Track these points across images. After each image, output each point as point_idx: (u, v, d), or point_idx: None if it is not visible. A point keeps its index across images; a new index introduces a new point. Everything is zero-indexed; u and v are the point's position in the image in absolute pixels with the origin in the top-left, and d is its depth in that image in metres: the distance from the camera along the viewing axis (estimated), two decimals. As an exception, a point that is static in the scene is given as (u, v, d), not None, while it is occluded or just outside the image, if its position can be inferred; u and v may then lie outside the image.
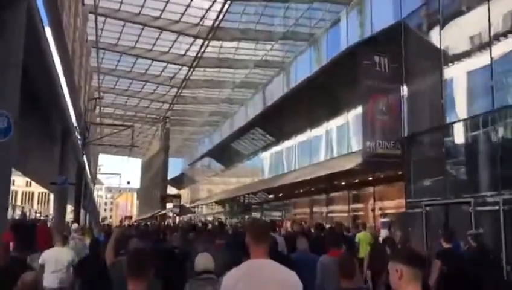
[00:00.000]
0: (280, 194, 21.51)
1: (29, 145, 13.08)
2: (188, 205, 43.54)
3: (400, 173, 12.44)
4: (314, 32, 18.79)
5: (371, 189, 14.00)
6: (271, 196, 22.70)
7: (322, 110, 16.63)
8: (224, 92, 34.98)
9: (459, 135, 10.40)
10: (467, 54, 10.10)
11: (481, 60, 9.64)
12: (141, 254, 3.28)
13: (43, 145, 13.29)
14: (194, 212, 40.94)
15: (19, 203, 68.53)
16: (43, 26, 8.92)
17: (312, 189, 18.07)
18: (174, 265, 6.37)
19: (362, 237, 10.92)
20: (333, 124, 15.70)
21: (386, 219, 12.78)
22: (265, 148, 23.06)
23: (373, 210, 14.14)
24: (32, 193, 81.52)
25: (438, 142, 10.91)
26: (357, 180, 15.03)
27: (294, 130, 19.06)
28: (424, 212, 10.92)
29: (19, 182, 68.80)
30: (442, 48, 10.77)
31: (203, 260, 4.76)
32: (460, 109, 10.42)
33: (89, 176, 30.86)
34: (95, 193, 56.86)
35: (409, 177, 11.62)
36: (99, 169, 50.88)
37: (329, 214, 16.25)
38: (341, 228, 11.21)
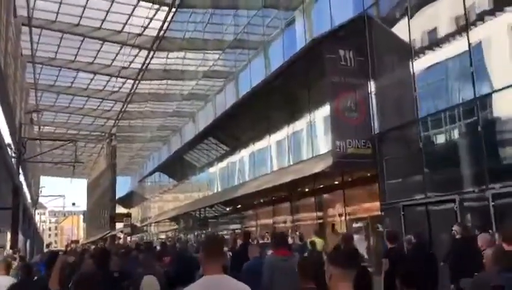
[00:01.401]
0: (239, 206, 20.22)
1: None
2: (139, 225, 41.24)
3: (371, 173, 11.54)
4: (263, 40, 17.81)
5: (340, 193, 13.01)
6: (228, 209, 21.36)
7: (281, 114, 15.59)
8: (172, 105, 33.49)
9: (436, 128, 9.59)
10: (440, 42, 9.34)
11: (457, 47, 8.89)
12: (89, 281, 3.36)
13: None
14: (146, 231, 38.67)
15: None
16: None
17: (274, 198, 16.93)
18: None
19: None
20: (294, 127, 14.66)
21: (359, 224, 11.81)
22: (220, 158, 21.73)
23: (342, 215, 13.15)
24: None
25: (412, 138, 10.07)
26: (323, 185, 14.02)
27: (251, 138, 17.90)
28: (402, 214, 10.00)
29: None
30: (411, 38, 9.98)
31: (148, 286, 4.83)
32: (435, 101, 9.63)
33: (28, 199, 28.19)
34: (37, 218, 53.05)
35: (382, 177, 10.70)
36: (41, 191, 47.49)
37: (295, 223, 15.10)
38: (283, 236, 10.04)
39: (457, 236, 7.30)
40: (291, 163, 14.55)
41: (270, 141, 16.26)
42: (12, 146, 15.32)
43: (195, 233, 25.43)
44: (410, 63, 9.97)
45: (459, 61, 8.91)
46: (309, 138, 13.77)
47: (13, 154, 15.34)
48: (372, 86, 11.04)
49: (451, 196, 8.77)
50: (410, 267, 4.31)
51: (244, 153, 18.56)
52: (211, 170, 22.95)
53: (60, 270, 4.66)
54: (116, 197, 46.14)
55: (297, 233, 12.70)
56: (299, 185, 14.68)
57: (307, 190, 15.09)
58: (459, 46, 8.80)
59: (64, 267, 4.75)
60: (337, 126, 10.79)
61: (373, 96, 10.99)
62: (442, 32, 9.45)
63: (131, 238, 34.80)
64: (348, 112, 10.80)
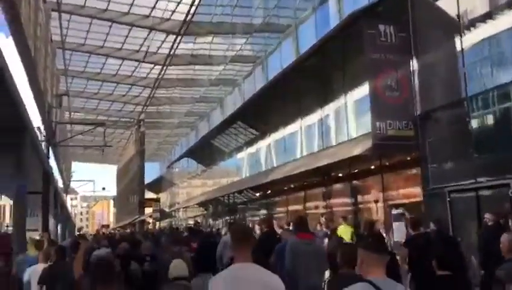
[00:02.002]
0: (268, 191, 19.65)
1: None
2: (167, 210, 41.26)
3: (411, 157, 10.80)
4: (294, 21, 17.04)
5: (377, 178, 12.27)
6: (258, 194, 20.83)
7: (313, 97, 14.88)
8: (200, 91, 33.04)
9: (486, 108, 8.78)
10: (492, 14, 8.47)
11: (510, 19, 8.04)
12: (107, 264, 3.27)
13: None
14: (175, 217, 38.60)
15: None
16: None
17: (305, 183, 16.29)
18: (145, 273, 6.46)
19: (342, 230, 10.70)
20: (328, 109, 13.93)
21: (398, 211, 11.08)
22: (249, 143, 21.16)
23: (378, 201, 12.43)
24: (4, 206, 77.35)
25: (460, 118, 9.27)
26: (358, 170, 13.28)
27: (281, 121, 17.23)
28: (448, 200, 9.25)
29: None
30: (459, 10, 9.13)
31: (176, 267, 4.77)
32: (485, 78, 8.80)
33: (60, 184, 28.38)
34: (69, 203, 53.91)
35: (425, 160, 9.94)
36: (72, 176, 48.08)
37: (328, 209, 14.45)
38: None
39: (490, 223, 7.18)
40: (324, 147, 13.88)
41: (302, 124, 15.59)
42: (43, 130, 15.20)
43: (224, 219, 25.08)
44: (458, 37, 9.14)
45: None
46: (343, 121, 13.04)
47: (43, 138, 15.21)
48: (414, 63, 10.24)
49: (505, 180, 8.00)
50: (443, 250, 4.11)
51: (274, 138, 17.93)
52: (240, 155, 22.44)
53: (83, 255, 4.78)
54: (145, 183, 46.30)
55: (324, 219, 12.39)
56: (333, 170, 14.00)
57: (340, 175, 14.41)
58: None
59: (87, 252, 4.75)
60: (377, 106, 10.05)
61: (415, 74, 10.20)
62: (494, 3, 8.60)
63: (160, 223, 34.78)
64: (389, 91, 10.05)
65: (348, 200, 14.01)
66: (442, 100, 9.75)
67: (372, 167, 12.63)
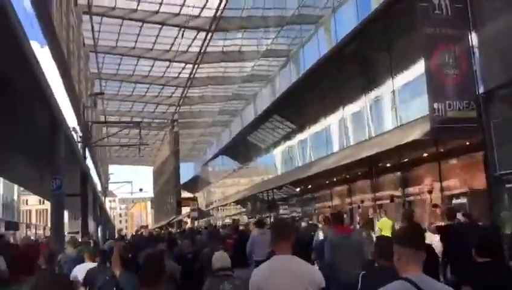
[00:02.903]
0: (309, 186, 18.74)
1: (10, 148, 10.60)
2: (204, 209, 40.88)
3: (471, 141, 9.74)
4: (331, 6, 16.03)
5: (432, 166, 11.21)
6: (298, 189, 19.94)
7: (356, 83, 13.87)
8: (232, 88, 32.48)
9: None
10: None
11: None
12: (154, 260, 3.29)
13: (28, 147, 10.74)
14: (212, 215, 38.11)
15: (34, 221, 66.01)
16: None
17: (349, 176, 15.33)
18: (186, 268, 6.61)
19: (383, 223, 10.70)
20: (374, 95, 12.90)
21: (458, 201, 10.05)
22: (287, 137, 20.26)
23: (432, 191, 11.37)
24: (46, 210, 79.03)
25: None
26: (410, 158, 12.22)
27: (321, 112, 16.26)
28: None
29: (32, 201, 66.27)
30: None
31: (219, 259, 4.86)
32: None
33: (98, 186, 28.28)
34: (108, 205, 54.40)
35: (490, 144, 8.86)
36: (110, 178, 48.39)
37: (377, 202, 13.44)
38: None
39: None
40: (373, 135, 12.87)
41: (344, 113, 14.61)
42: (78, 130, 14.86)
43: (263, 216, 24.31)
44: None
45: None
46: (393, 106, 12.00)
47: (79, 139, 14.87)
48: (473, 37, 9.17)
49: None
50: (483, 238, 4.07)
51: (314, 129, 16.99)
52: (278, 149, 21.58)
53: (119, 255, 4.69)
54: (181, 183, 46.10)
55: (360, 211, 12.26)
56: (382, 160, 12.99)
57: (388, 165, 13.39)
58: None
59: (123, 251, 4.79)
60: (433, 86, 9.02)
61: (476, 49, 9.12)
62: None
63: (198, 222, 34.36)
64: (446, 69, 8.99)
65: (397, 192, 12.97)
66: (506, 76, 8.65)
67: (426, 155, 11.58)
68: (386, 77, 12.23)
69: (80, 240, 10.05)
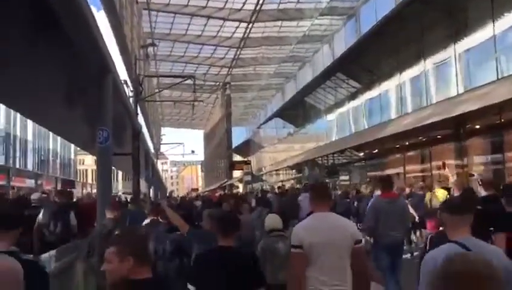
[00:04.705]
0: (375, 150, 16.91)
1: (55, 100, 9.63)
2: (256, 174, 39.83)
3: None
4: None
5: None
6: (362, 154, 18.15)
7: (441, 30, 11.80)
8: (287, 49, 30.53)
9: None
10: None
11: None
12: (230, 216, 3.84)
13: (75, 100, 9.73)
14: (265, 180, 36.90)
15: (90, 181, 67.83)
16: None
17: (425, 139, 13.40)
18: None
19: (438, 193, 9.65)
20: (466, 43, 10.83)
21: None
22: (352, 96, 18.38)
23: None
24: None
25: None
26: (505, 119, 10.21)
27: (395, 67, 14.28)
28: None
29: (88, 161, 67.90)
30: None
31: (272, 220, 5.15)
32: None
33: (151, 147, 27.66)
34: (160, 167, 54.61)
35: None
36: (162, 139, 48.16)
37: (462, 169, 11.53)
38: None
39: None
40: (463, 91, 10.87)
41: (426, 66, 12.57)
42: (129, 84, 13.81)
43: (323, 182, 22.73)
44: None
45: None
46: (492, 54, 9.93)
47: (130, 93, 13.81)
48: None
49: None
50: None
51: (386, 87, 15.05)
52: (340, 110, 19.75)
53: (177, 213, 4.86)
54: (233, 147, 45.20)
55: (421, 183, 11.42)
56: (472, 120, 11.01)
57: (478, 126, 11.38)
58: None
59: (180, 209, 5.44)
60: None
61: None
62: None
63: (252, 186, 33.28)
64: None
65: (487, 157, 11.01)
66: None
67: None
68: (483, 20, 10.11)
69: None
